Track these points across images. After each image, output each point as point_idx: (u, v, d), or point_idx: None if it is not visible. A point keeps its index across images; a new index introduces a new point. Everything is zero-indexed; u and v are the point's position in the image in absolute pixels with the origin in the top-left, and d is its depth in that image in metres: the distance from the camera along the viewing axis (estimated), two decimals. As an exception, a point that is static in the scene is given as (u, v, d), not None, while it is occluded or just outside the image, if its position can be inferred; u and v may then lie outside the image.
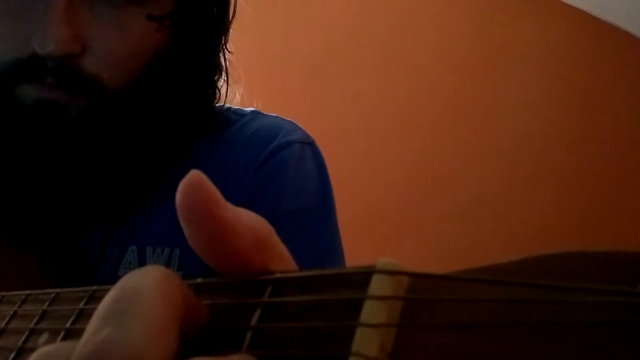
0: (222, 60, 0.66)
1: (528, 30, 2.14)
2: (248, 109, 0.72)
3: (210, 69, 0.65)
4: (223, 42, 0.66)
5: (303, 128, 0.70)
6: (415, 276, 0.19)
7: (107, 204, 0.59)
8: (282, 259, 0.24)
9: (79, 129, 0.54)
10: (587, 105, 2.07)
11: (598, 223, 1.96)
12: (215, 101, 0.67)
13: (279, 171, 0.64)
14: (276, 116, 0.71)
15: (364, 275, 0.19)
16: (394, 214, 2.07)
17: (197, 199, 0.22)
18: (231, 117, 0.69)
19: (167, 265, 0.60)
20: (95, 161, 0.56)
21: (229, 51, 0.67)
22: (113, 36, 0.54)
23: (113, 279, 0.21)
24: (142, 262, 0.60)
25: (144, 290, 0.19)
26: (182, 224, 0.22)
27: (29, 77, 0.53)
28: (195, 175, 0.22)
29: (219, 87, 0.67)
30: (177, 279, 0.21)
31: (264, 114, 0.71)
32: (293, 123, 0.70)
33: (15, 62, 0.53)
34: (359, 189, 2.05)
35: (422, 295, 0.18)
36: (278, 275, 0.22)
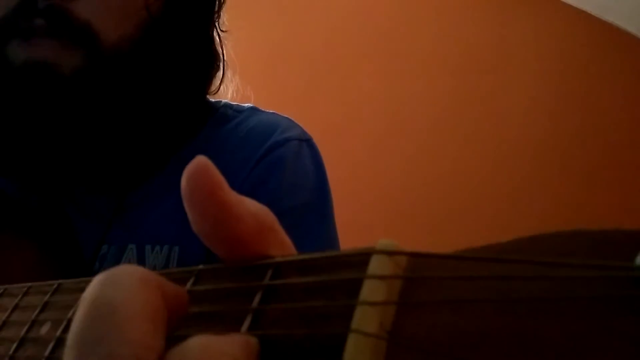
0: (217, 43, 0.67)
1: (528, 30, 2.14)
2: (246, 105, 0.72)
3: (205, 44, 0.65)
4: (216, 18, 0.66)
5: (302, 126, 0.70)
6: (413, 256, 0.19)
7: (104, 177, 0.60)
8: (284, 246, 0.24)
9: (74, 91, 0.54)
10: (586, 105, 2.07)
11: (598, 222, 1.96)
12: (211, 82, 0.67)
13: (276, 168, 0.64)
14: (273, 113, 0.71)
15: (363, 256, 0.19)
16: (394, 214, 2.06)
17: (203, 183, 0.22)
18: (228, 114, 0.69)
19: (166, 263, 0.60)
20: (92, 127, 0.56)
21: (222, 30, 0.67)
22: None
23: None
24: (141, 260, 0.60)
25: (119, 304, 0.18)
26: (187, 207, 0.22)
27: (19, 28, 0.53)
28: (201, 159, 0.22)
29: (215, 66, 0.67)
30: (152, 277, 0.20)
31: (261, 111, 0.71)
32: (290, 120, 0.70)
33: (5, 14, 0.54)
34: (358, 188, 2.04)
35: (421, 274, 0.19)
36: (278, 259, 0.22)
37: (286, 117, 0.70)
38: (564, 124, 2.07)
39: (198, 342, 0.18)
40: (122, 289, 0.19)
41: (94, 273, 0.59)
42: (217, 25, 0.67)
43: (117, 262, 0.60)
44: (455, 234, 2.00)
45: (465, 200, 2.05)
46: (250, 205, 0.23)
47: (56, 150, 0.55)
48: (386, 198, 2.08)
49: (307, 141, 0.69)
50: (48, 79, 0.53)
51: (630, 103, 2.05)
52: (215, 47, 0.67)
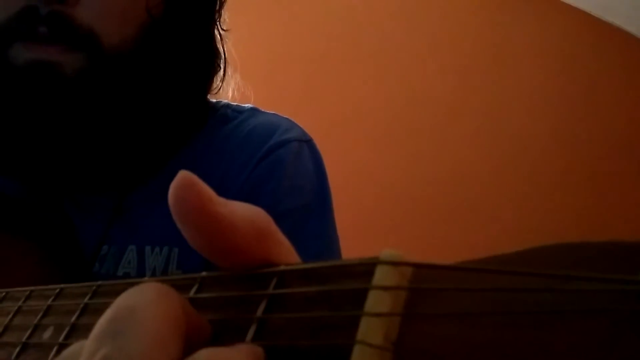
0: (218, 43, 0.67)
1: (528, 30, 2.14)
2: (246, 105, 0.72)
3: (205, 44, 0.65)
4: (217, 17, 0.66)
5: (303, 126, 0.70)
6: (418, 267, 0.19)
7: (105, 176, 0.60)
8: (283, 248, 0.24)
9: (77, 91, 0.54)
10: (587, 105, 2.07)
11: (598, 222, 1.96)
12: (212, 83, 0.67)
13: (276, 169, 0.64)
14: (274, 114, 0.71)
15: (368, 266, 0.19)
16: (394, 214, 2.06)
17: (190, 199, 0.21)
18: (229, 114, 0.69)
19: (166, 264, 0.60)
20: (93, 128, 0.56)
21: (223, 29, 0.67)
22: None
23: (112, 279, 0.21)
24: (141, 262, 0.60)
25: (140, 308, 0.19)
26: (179, 225, 0.22)
27: (22, 32, 0.53)
28: (184, 175, 0.22)
29: (217, 67, 0.67)
30: (176, 295, 0.21)
31: (261, 111, 0.71)
32: (290, 121, 0.70)
33: (7, 19, 0.53)
34: (359, 188, 2.04)
35: (426, 285, 0.19)
36: (283, 267, 0.22)
37: (286, 118, 0.70)
38: (565, 124, 2.07)
39: (206, 354, 0.18)
40: (145, 295, 0.20)
41: (93, 274, 0.60)
42: (218, 24, 0.67)
43: (117, 262, 0.60)
44: (456, 235, 2.00)
45: (466, 201, 2.05)
46: (244, 211, 0.23)
47: (57, 150, 0.55)
48: (387, 199, 2.08)
49: (307, 142, 0.69)
50: (50, 78, 0.53)
51: (631, 103, 2.05)
52: (216, 46, 0.67)
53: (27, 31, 0.53)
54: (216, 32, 0.67)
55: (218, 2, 0.66)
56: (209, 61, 0.66)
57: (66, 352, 0.21)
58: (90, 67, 0.54)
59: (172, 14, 0.60)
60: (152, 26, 0.58)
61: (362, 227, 1.88)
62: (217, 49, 0.67)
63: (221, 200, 0.22)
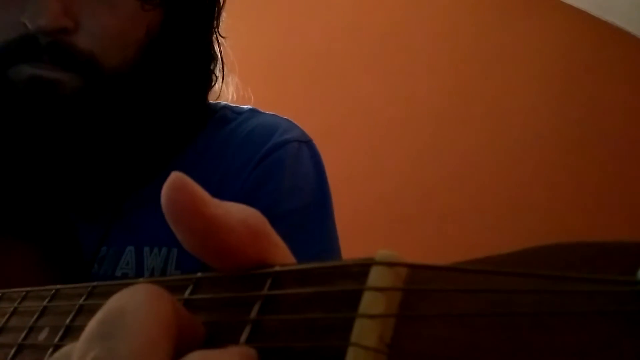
0: (216, 47, 0.67)
1: (528, 30, 2.14)
2: (245, 106, 0.72)
3: (204, 55, 0.65)
4: (215, 26, 0.66)
5: (303, 127, 0.70)
6: (413, 267, 0.19)
7: (103, 189, 0.60)
8: (278, 248, 0.23)
9: (73, 110, 0.54)
10: (587, 105, 2.07)
11: (598, 222, 1.96)
12: (210, 90, 0.67)
13: (276, 170, 0.64)
14: (273, 114, 0.71)
15: (363, 267, 0.19)
16: (394, 214, 2.06)
17: (182, 200, 0.21)
18: (228, 115, 0.69)
19: (165, 265, 0.60)
20: (91, 144, 0.56)
21: (221, 36, 0.67)
22: (104, 13, 0.55)
23: (110, 280, 0.21)
24: (139, 262, 0.60)
25: (131, 310, 0.19)
26: (172, 227, 0.22)
27: (23, 57, 0.53)
28: (176, 177, 0.21)
29: (214, 76, 0.67)
30: (167, 297, 0.20)
31: (261, 112, 0.71)
32: (290, 121, 0.70)
33: (7, 43, 0.53)
34: (358, 189, 2.04)
35: (421, 286, 0.19)
36: (277, 268, 0.22)
37: (286, 119, 0.70)
38: (565, 124, 2.07)
39: (197, 356, 0.18)
40: (136, 297, 0.20)
41: (92, 275, 0.60)
42: (216, 30, 0.67)
43: (115, 264, 0.60)
44: (456, 236, 2.00)
45: (467, 202, 2.05)
46: (239, 212, 0.22)
47: (55, 167, 0.55)
48: (387, 200, 2.08)
49: (307, 143, 0.68)
50: (49, 96, 0.53)
51: (631, 103, 2.04)
52: (214, 51, 0.66)
53: (30, 56, 0.53)
54: (214, 37, 0.67)
55: (216, 9, 0.66)
56: (207, 68, 0.66)
57: (58, 354, 0.21)
58: (89, 88, 0.55)
59: (170, 29, 0.60)
60: (151, 44, 0.58)
61: (362, 227, 1.88)
62: (215, 54, 0.66)
63: (214, 201, 0.22)
